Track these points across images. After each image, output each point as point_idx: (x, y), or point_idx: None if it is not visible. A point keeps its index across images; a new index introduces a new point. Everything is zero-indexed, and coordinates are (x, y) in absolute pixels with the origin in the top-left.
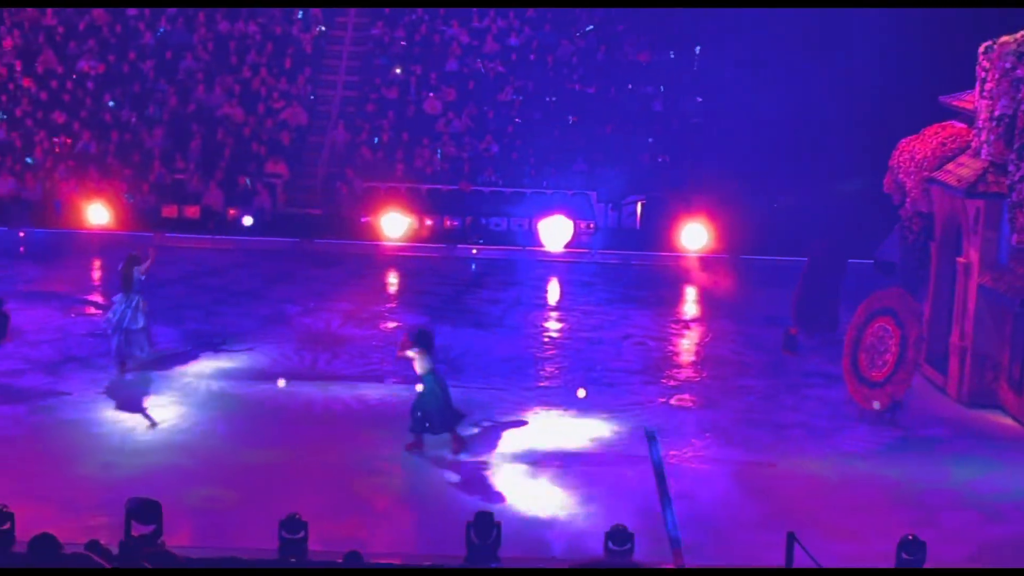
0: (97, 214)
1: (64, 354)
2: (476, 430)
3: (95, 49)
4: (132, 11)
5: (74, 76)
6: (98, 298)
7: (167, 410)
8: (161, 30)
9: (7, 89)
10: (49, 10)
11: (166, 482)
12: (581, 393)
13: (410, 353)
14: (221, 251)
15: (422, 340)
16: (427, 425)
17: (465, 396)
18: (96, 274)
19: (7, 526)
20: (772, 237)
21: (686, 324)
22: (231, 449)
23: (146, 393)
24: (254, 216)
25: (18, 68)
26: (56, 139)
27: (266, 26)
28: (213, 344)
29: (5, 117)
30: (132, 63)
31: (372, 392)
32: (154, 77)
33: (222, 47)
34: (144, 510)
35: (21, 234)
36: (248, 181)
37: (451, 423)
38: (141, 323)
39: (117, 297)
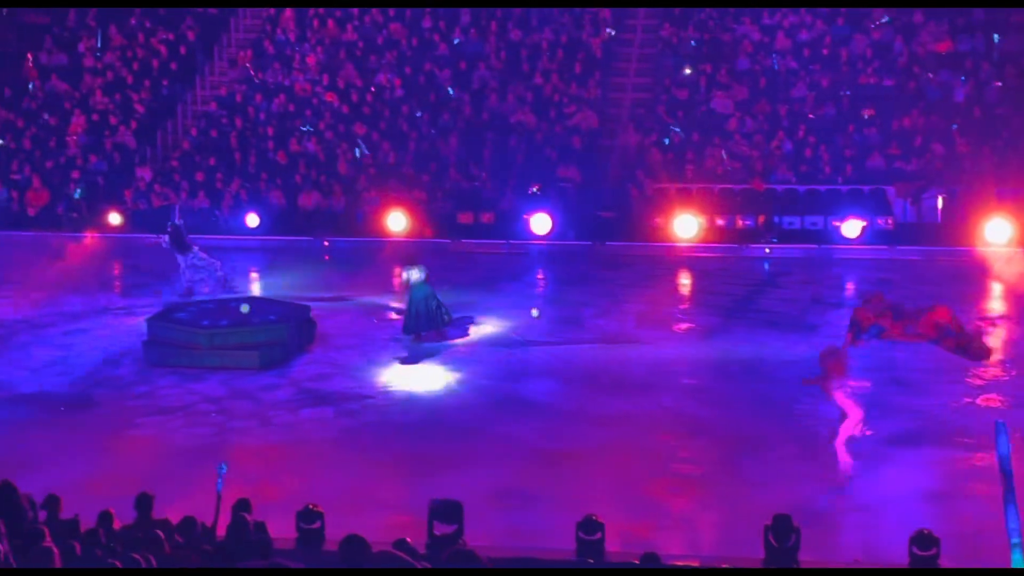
0: (397, 222)
1: (367, 358)
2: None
3: (393, 62)
4: (427, 23)
5: (373, 89)
6: (400, 304)
7: (461, 413)
8: (456, 41)
9: (311, 104)
10: (349, 25)
11: (462, 482)
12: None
13: (404, 276)
14: (515, 256)
15: (409, 263)
16: (417, 323)
17: (769, 396)
18: (397, 281)
19: (317, 525)
20: None
21: (991, 321)
22: (527, 449)
23: (442, 395)
24: (547, 220)
25: (325, 82)
26: (357, 150)
27: (557, 33)
28: (511, 344)
29: (311, 130)
30: (428, 74)
31: (667, 395)
32: (449, 86)
33: (514, 55)
34: (446, 510)
35: (326, 243)
36: (540, 187)
37: (436, 324)
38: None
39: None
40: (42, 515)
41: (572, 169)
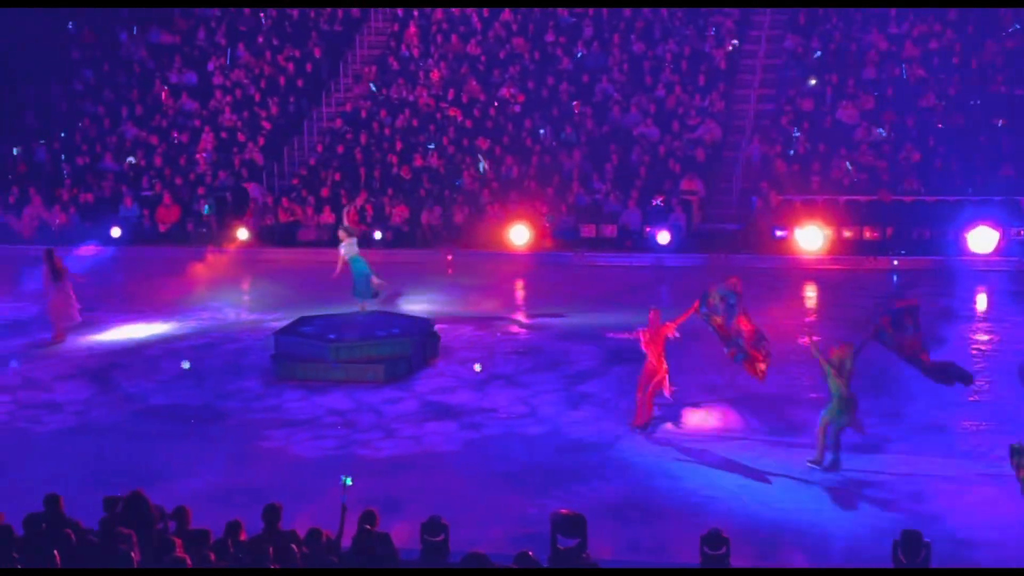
0: (519, 235)
1: (491, 372)
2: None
3: (516, 76)
4: (550, 37)
5: (496, 103)
6: (521, 317)
7: (583, 426)
8: (579, 54)
9: (435, 119)
10: (473, 40)
11: (585, 496)
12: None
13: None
14: (638, 269)
15: (349, 232)
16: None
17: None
18: (519, 294)
19: (441, 537)
20: None
21: None
22: (647, 462)
23: (565, 408)
24: (670, 233)
25: (449, 97)
26: (480, 164)
27: (680, 44)
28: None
29: (434, 147)
30: (551, 87)
31: (792, 408)
32: (571, 100)
33: (637, 67)
34: (569, 524)
35: (448, 257)
36: (663, 199)
37: (365, 294)
38: None
39: None
40: (172, 525)
41: (696, 181)
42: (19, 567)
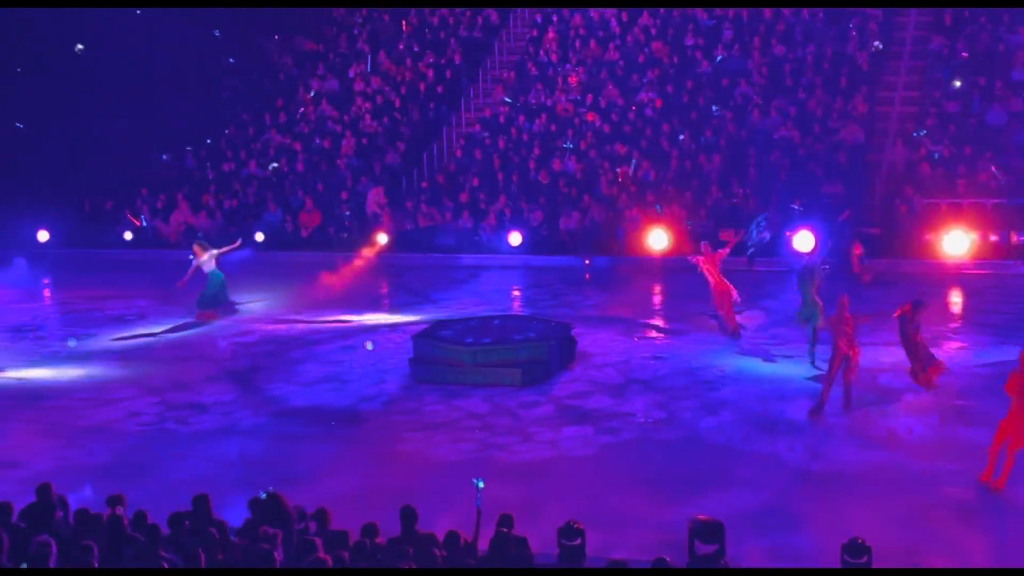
0: (657, 240)
1: (628, 377)
2: None
3: (654, 81)
4: (689, 40)
5: (634, 108)
6: (659, 322)
7: (721, 432)
8: (719, 58)
9: (573, 124)
10: (611, 45)
11: (723, 502)
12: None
13: (204, 256)
14: (777, 273)
15: (203, 243)
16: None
17: None
18: (657, 299)
19: (578, 542)
20: None
21: None
22: (789, 469)
23: (703, 414)
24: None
25: (587, 102)
26: (619, 169)
27: (821, 47)
28: (769, 363)
29: (571, 147)
30: (690, 92)
31: (936, 416)
32: (710, 104)
33: (777, 70)
34: (707, 530)
35: (586, 261)
36: (803, 203)
37: (210, 305)
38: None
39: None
40: (312, 526)
41: (837, 185)
42: (166, 566)
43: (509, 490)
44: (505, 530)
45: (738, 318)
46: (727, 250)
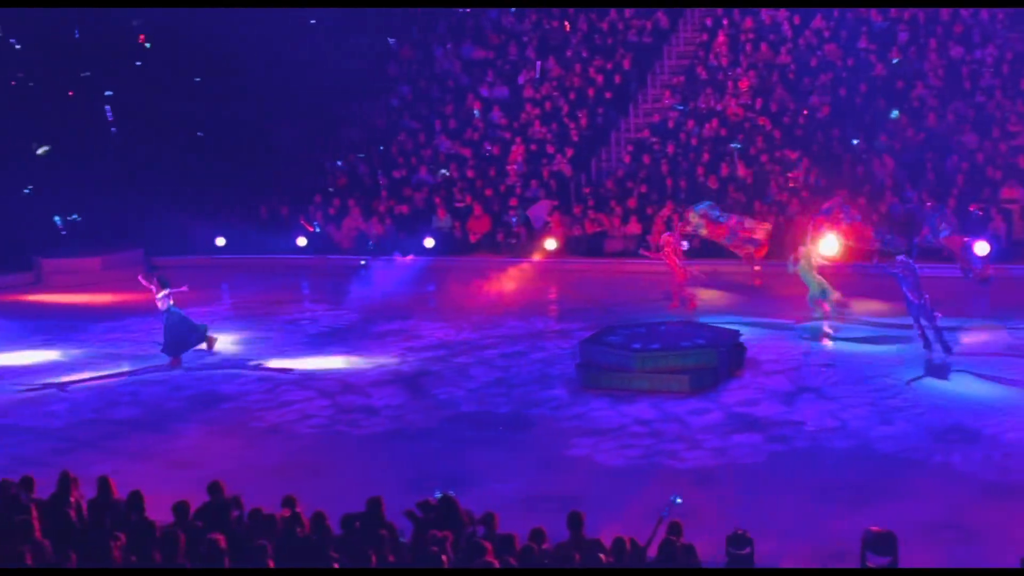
0: (828, 246)
1: (798, 384)
2: None
3: (827, 84)
4: (862, 43)
5: (805, 112)
6: (830, 329)
7: (895, 442)
8: (894, 60)
9: (743, 128)
10: (783, 48)
11: (896, 513)
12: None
13: (159, 295)
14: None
15: (163, 282)
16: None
17: None
18: (827, 306)
19: (747, 551)
20: None
21: None
22: (967, 481)
23: (876, 422)
24: (989, 243)
25: (758, 106)
26: (790, 174)
27: (1001, 48)
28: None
29: (740, 147)
30: (864, 95)
31: None
32: (885, 107)
33: (954, 73)
34: (880, 541)
35: (756, 267)
36: (982, 208)
37: (177, 350)
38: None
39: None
40: (480, 530)
41: (1017, 189)
42: (336, 566)
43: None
44: (673, 538)
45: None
46: (677, 235)
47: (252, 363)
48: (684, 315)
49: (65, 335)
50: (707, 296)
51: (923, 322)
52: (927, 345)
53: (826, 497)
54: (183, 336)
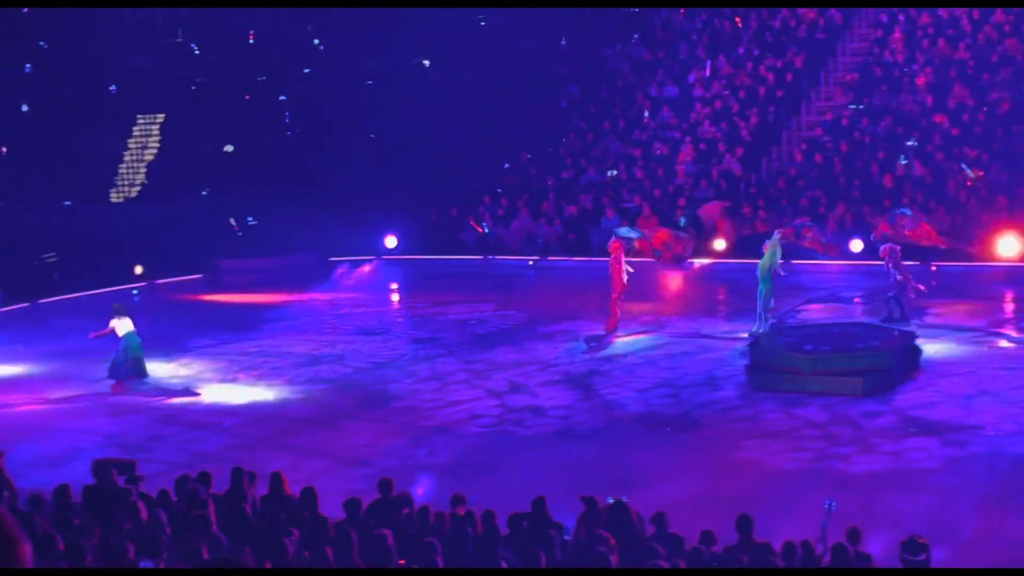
0: (1008, 246)
1: (976, 387)
2: None
3: (1007, 80)
4: None
5: (985, 108)
6: (1010, 331)
7: None
8: None
9: (919, 125)
10: (961, 44)
11: None
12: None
13: (113, 323)
14: None
15: (120, 311)
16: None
17: None
18: (1009, 306)
19: (922, 557)
20: None
21: None
22: None
23: None
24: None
25: (933, 103)
26: (969, 172)
27: None
28: None
29: (915, 144)
30: None
31: None
32: None
33: None
34: None
35: (933, 268)
36: None
37: (117, 372)
38: None
39: None
40: (650, 530)
41: None
42: (504, 565)
43: (848, 501)
44: (848, 544)
45: None
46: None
47: (420, 362)
48: (608, 331)
49: (240, 334)
50: (881, 298)
51: (901, 298)
52: (903, 317)
53: (1005, 504)
54: (122, 362)
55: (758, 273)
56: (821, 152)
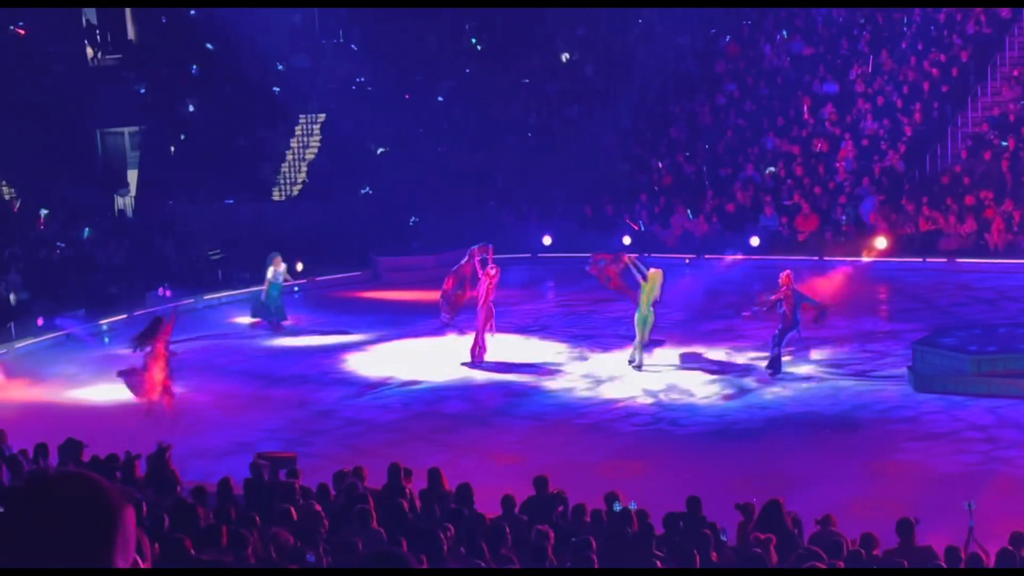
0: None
1: None
2: None
3: None
4: None
5: None
6: None
7: None
8: None
9: None
10: None
11: None
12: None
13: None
14: None
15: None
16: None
17: None
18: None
19: None
20: None
21: None
22: None
23: None
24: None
25: None
26: None
27: None
28: None
29: None
30: None
31: None
32: None
33: None
34: None
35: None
36: None
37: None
38: None
39: None
40: (812, 531)
41: None
42: (659, 565)
43: (1013, 505)
44: (1011, 548)
45: None
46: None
47: (575, 360)
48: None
49: (399, 330)
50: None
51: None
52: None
53: None
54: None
55: (640, 299)
56: (988, 149)
